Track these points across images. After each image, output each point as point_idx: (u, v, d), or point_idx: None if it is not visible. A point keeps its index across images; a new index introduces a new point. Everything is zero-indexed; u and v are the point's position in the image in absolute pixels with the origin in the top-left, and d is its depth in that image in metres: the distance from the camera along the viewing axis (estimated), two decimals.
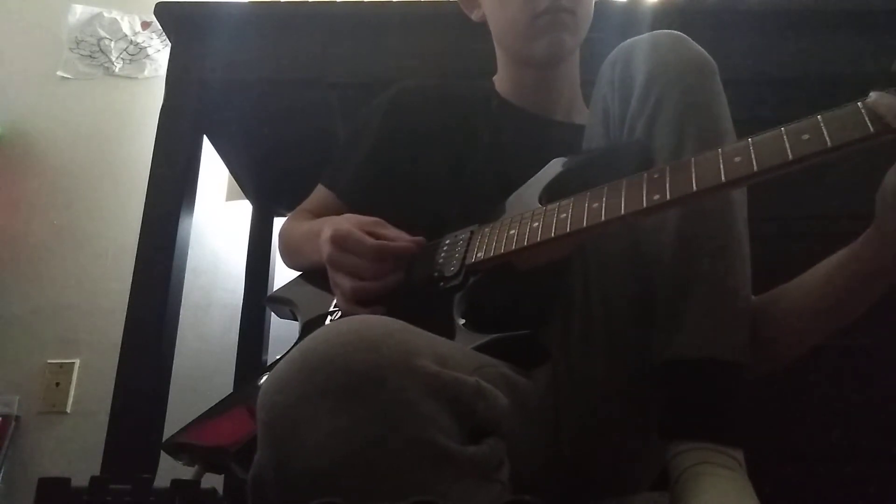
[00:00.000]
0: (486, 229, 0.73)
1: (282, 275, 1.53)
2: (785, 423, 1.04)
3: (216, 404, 0.77)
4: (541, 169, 0.76)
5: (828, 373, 1.07)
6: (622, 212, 0.57)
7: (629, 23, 1.12)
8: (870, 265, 0.59)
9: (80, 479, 0.54)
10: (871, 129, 0.47)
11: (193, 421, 0.74)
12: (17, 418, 1.61)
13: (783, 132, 0.51)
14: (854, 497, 1.02)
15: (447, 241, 0.77)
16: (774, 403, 1.03)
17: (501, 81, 1.00)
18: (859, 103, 0.48)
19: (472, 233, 0.75)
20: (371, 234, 0.76)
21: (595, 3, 0.95)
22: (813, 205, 1.10)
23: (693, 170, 0.55)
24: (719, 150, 0.54)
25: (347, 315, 0.77)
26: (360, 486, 0.43)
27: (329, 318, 0.83)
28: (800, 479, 1.02)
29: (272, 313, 1.36)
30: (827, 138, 0.48)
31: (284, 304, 0.96)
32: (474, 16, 0.99)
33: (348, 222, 0.78)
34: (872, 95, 0.48)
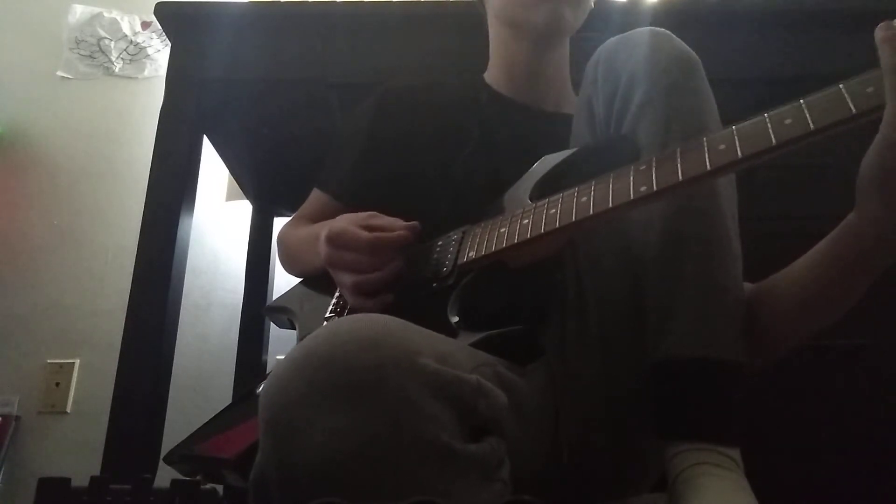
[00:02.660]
0: (478, 229, 0.73)
1: (282, 275, 1.53)
2: (784, 423, 1.04)
3: (217, 414, 0.77)
4: (531, 162, 0.76)
5: (828, 373, 1.07)
6: (610, 204, 0.57)
7: (629, 22, 1.11)
8: (850, 251, 0.59)
9: (80, 479, 0.54)
10: (854, 110, 0.47)
11: (195, 431, 0.74)
12: (17, 418, 1.61)
13: (766, 118, 0.51)
14: (853, 497, 1.02)
15: (440, 242, 0.78)
16: (773, 403, 1.03)
17: (492, 69, 1.00)
18: (841, 85, 0.48)
19: (464, 233, 0.75)
20: (366, 227, 0.76)
21: (595, 2, 0.94)
22: (813, 204, 1.10)
23: (679, 160, 0.55)
24: (704, 139, 0.54)
25: (355, 309, 0.77)
26: (363, 485, 0.43)
27: (325, 322, 0.83)
28: (798, 478, 1.02)
29: None
30: (809, 122, 0.48)
31: (282, 312, 0.96)
32: None
33: (342, 221, 0.78)
34: None
